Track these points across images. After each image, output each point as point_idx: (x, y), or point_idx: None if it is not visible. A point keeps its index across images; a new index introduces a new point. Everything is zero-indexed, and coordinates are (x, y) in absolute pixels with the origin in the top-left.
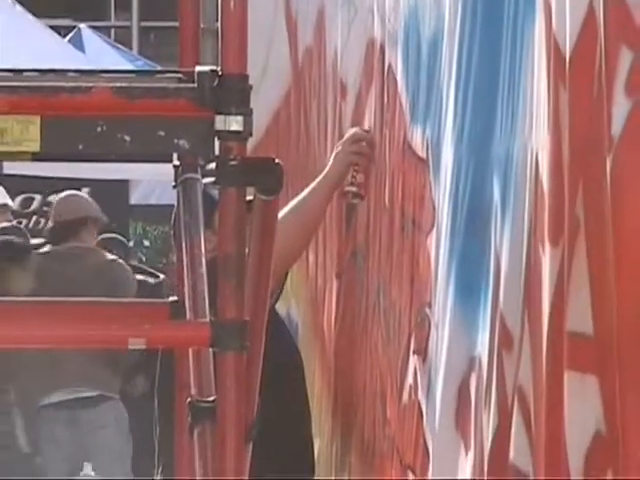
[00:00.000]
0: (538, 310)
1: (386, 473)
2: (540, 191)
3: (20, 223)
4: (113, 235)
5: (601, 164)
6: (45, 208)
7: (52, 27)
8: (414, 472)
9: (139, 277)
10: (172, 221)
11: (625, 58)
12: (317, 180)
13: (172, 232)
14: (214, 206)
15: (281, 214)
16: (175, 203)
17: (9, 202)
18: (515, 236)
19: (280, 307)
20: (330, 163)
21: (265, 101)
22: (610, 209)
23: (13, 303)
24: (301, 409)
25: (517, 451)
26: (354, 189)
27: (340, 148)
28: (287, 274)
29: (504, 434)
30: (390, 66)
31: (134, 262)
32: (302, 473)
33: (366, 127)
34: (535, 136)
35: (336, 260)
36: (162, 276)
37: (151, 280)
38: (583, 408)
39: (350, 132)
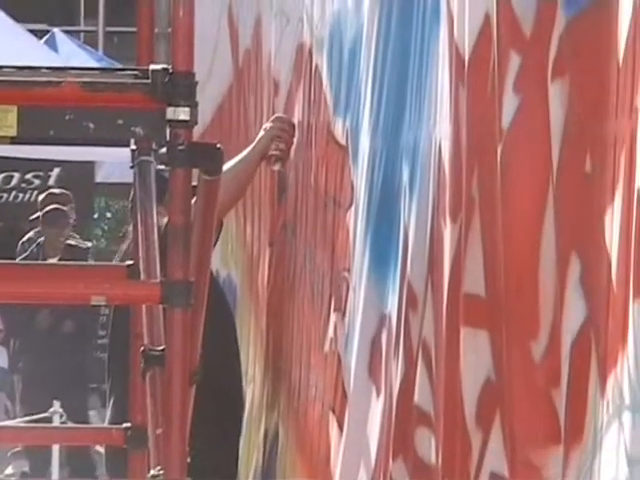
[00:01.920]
0: (440, 276)
1: (309, 413)
2: (442, 175)
3: (0, 198)
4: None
5: (493, 152)
6: (23, 184)
7: (30, 30)
8: (334, 412)
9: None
10: (131, 196)
11: (514, 62)
12: (248, 149)
13: (130, 206)
14: (165, 185)
15: None
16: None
17: None
18: (420, 213)
19: (221, 270)
20: (258, 136)
21: (210, 96)
22: (499, 190)
23: None
24: (234, 356)
25: (420, 394)
26: (277, 153)
27: (266, 124)
28: (222, 224)
29: (410, 380)
30: (317, 66)
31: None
32: (234, 409)
33: (295, 119)
34: (439, 127)
35: (269, 231)
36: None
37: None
38: (476, 358)
39: (274, 115)
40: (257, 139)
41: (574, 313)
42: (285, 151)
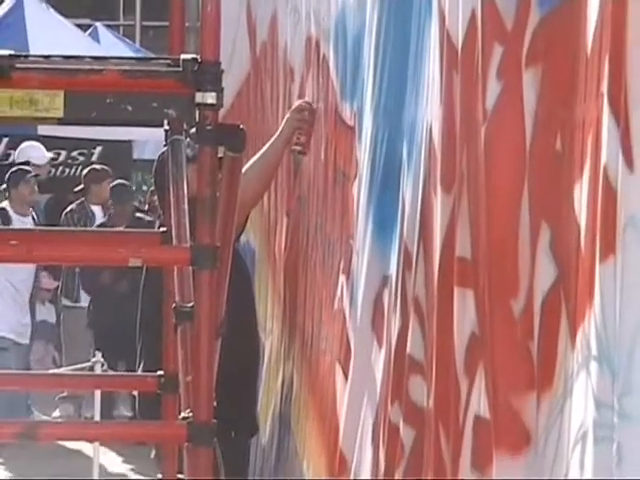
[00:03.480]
0: (430, 239)
1: (320, 362)
2: (432, 151)
3: (50, 172)
4: (122, 181)
5: (478, 131)
6: (69, 160)
7: (76, 25)
8: (340, 362)
9: (138, 214)
10: (154, 170)
11: (497, 52)
12: (270, 141)
13: (153, 179)
14: (187, 161)
15: (246, 167)
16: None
17: (49, 155)
18: (414, 184)
19: (242, 236)
20: (281, 127)
21: (231, 82)
22: (484, 165)
23: (47, 231)
24: (251, 312)
25: (413, 345)
26: (299, 148)
27: (288, 116)
28: (248, 217)
29: (404, 333)
30: (324, 56)
31: (135, 204)
32: (250, 357)
33: (308, 100)
34: (430, 109)
35: (286, 202)
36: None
37: (147, 217)
38: (463, 314)
39: (296, 104)
40: (280, 130)
41: (544, 274)
42: (306, 143)
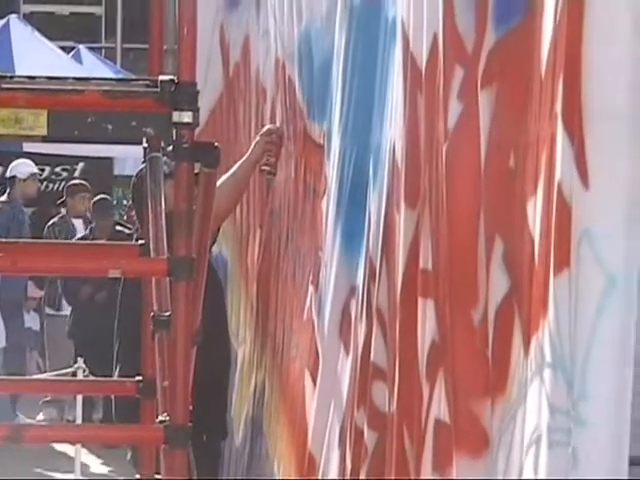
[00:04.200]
0: (392, 253)
1: (290, 369)
2: (396, 169)
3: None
4: (103, 196)
5: (440, 150)
6: (53, 176)
7: (60, 47)
8: (309, 369)
9: (118, 228)
10: (132, 186)
11: (458, 73)
12: (241, 161)
13: (131, 195)
14: (164, 177)
15: (218, 183)
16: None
17: (36, 170)
18: (379, 201)
19: (214, 248)
20: (250, 149)
21: (205, 101)
22: (444, 182)
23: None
24: (223, 321)
25: (376, 353)
26: (268, 168)
27: (258, 139)
28: (219, 229)
29: (369, 341)
30: (289, 77)
31: (116, 218)
32: (221, 364)
33: (277, 122)
34: (394, 129)
35: (259, 215)
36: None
37: (126, 230)
38: (424, 323)
39: (265, 128)
40: (249, 152)
41: (497, 285)
42: (274, 164)
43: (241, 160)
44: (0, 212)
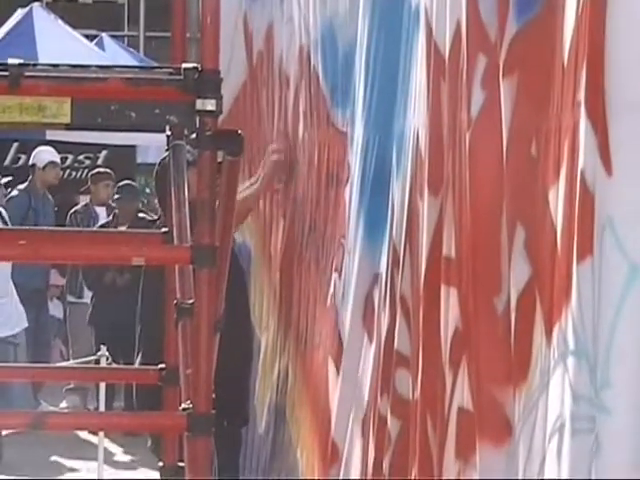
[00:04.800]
0: (415, 240)
1: (313, 356)
2: (419, 157)
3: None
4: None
5: (463, 137)
6: (76, 164)
7: (84, 35)
8: (332, 356)
9: (140, 214)
10: (154, 174)
11: (481, 62)
12: (252, 187)
13: (154, 183)
14: (187, 165)
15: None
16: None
17: (55, 158)
18: (402, 188)
19: (237, 237)
20: (259, 174)
21: (228, 90)
22: (467, 168)
23: (53, 231)
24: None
25: (400, 340)
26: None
27: (265, 163)
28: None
29: (392, 328)
30: (314, 66)
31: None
32: (243, 352)
33: (300, 110)
34: (418, 117)
35: (281, 204)
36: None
37: (148, 217)
38: (447, 311)
39: (268, 148)
40: (260, 176)
41: (519, 273)
42: (288, 180)
43: (251, 187)
44: (17, 200)
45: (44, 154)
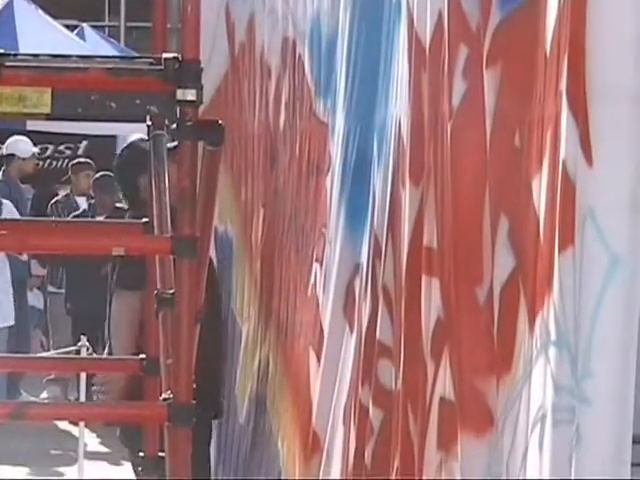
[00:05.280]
0: (398, 230)
1: (294, 346)
2: (401, 147)
3: (38, 165)
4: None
5: (445, 127)
6: (56, 154)
7: (64, 25)
8: (313, 346)
9: (118, 205)
10: (115, 165)
11: (462, 52)
12: None
13: (115, 174)
14: (145, 155)
15: None
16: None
17: (35, 150)
18: (384, 178)
19: (219, 226)
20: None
21: (210, 80)
22: (449, 159)
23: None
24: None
25: (382, 330)
26: None
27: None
28: None
29: (374, 318)
30: (299, 56)
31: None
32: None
33: (282, 100)
34: (399, 107)
35: (262, 194)
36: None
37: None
38: (429, 301)
39: None
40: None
41: (502, 264)
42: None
43: None
44: None
45: (23, 144)
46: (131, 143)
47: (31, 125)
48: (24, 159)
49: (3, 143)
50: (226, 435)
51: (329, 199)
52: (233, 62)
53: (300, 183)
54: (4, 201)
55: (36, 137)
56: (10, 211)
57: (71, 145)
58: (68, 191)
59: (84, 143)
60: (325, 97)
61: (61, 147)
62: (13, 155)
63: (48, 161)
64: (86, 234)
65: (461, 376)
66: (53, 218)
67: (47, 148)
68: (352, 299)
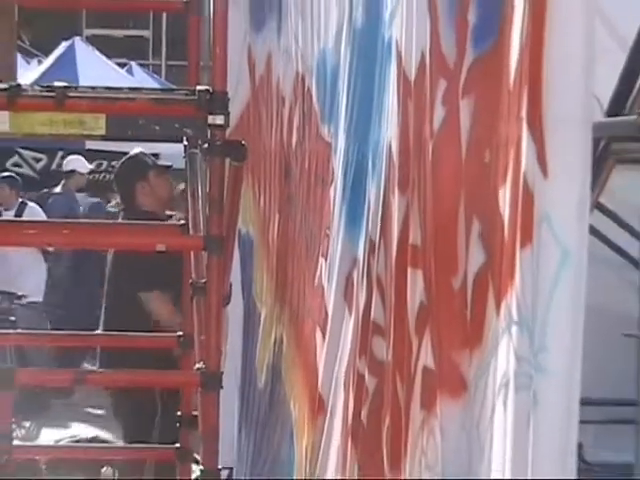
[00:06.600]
0: (389, 231)
1: (304, 325)
2: (391, 163)
3: (94, 177)
4: None
5: (427, 146)
6: (109, 169)
7: (116, 63)
8: (319, 325)
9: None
10: (115, 173)
11: (442, 85)
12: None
13: (115, 180)
14: (145, 167)
15: None
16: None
17: (91, 167)
18: (377, 188)
19: (242, 228)
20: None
21: (235, 108)
22: (431, 173)
23: (91, 224)
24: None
25: (376, 312)
26: None
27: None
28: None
29: (369, 302)
30: (308, 88)
31: None
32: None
33: (294, 125)
34: (389, 130)
35: (278, 201)
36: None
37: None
38: (415, 288)
39: None
40: None
41: (475, 258)
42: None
43: None
44: (56, 202)
45: (81, 162)
46: (133, 155)
47: (89, 144)
48: (81, 174)
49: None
50: (248, 399)
51: (332, 205)
52: (254, 93)
53: (309, 192)
54: (30, 203)
55: (93, 154)
56: (33, 213)
57: None
58: (101, 199)
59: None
60: (329, 122)
61: (113, 162)
62: (73, 171)
63: (103, 174)
64: (135, 234)
65: (440, 349)
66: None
67: (102, 164)
68: (351, 287)
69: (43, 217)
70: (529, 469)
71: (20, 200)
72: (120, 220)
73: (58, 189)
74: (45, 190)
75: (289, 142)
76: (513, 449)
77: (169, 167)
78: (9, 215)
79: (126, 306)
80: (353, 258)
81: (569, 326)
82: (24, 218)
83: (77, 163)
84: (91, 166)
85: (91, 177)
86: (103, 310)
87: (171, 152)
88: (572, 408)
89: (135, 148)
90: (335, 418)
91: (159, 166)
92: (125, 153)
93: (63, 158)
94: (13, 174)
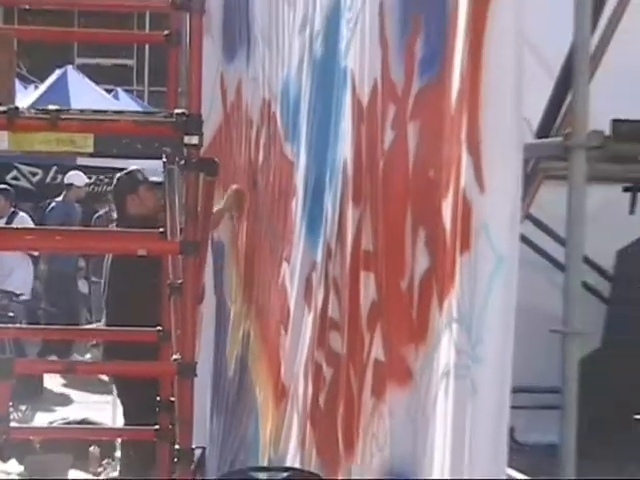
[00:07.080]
0: (344, 237)
1: (270, 324)
2: (346, 178)
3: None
4: None
5: (378, 164)
6: (97, 182)
7: (104, 89)
8: (282, 321)
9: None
10: (113, 186)
11: (391, 110)
12: (216, 209)
13: (112, 192)
14: (136, 182)
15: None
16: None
17: (88, 180)
18: (334, 200)
19: (214, 233)
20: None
21: (209, 129)
22: (381, 187)
23: (81, 230)
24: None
25: (332, 310)
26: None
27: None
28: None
29: (326, 301)
30: (274, 113)
31: None
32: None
33: (261, 145)
34: (344, 150)
35: (246, 213)
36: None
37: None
38: (367, 287)
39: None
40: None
41: (421, 264)
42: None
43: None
44: (56, 209)
45: (79, 177)
46: (129, 171)
47: (80, 161)
48: (79, 187)
49: (61, 174)
50: (219, 386)
51: (294, 215)
52: (225, 116)
53: (273, 204)
54: (20, 213)
55: (84, 169)
56: (22, 222)
57: (110, 175)
58: (107, 209)
59: (118, 174)
60: (292, 142)
61: (101, 177)
62: (72, 184)
63: (92, 187)
64: (119, 239)
65: (389, 343)
66: (97, 228)
67: (91, 177)
68: (310, 288)
69: (31, 225)
70: (466, 447)
71: (12, 210)
72: (114, 227)
73: (60, 199)
74: (47, 200)
75: (256, 160)
76: (453, 430)
77: (159, 184)
78: (1, 223)
79: (125, 305)
80: (312, 262)
81: (502, 322)
82: (14, 225)
83: (75, 177)
84: (88, 180)
85: (90, 189)
86: (104, 310)
87: (154, 167)
88: (504, 394)
89: (131, 166)
90: (296, 404)
91: (149, 182)
92: (111, 168)
93: (57, 172)
94: (7, 186)
